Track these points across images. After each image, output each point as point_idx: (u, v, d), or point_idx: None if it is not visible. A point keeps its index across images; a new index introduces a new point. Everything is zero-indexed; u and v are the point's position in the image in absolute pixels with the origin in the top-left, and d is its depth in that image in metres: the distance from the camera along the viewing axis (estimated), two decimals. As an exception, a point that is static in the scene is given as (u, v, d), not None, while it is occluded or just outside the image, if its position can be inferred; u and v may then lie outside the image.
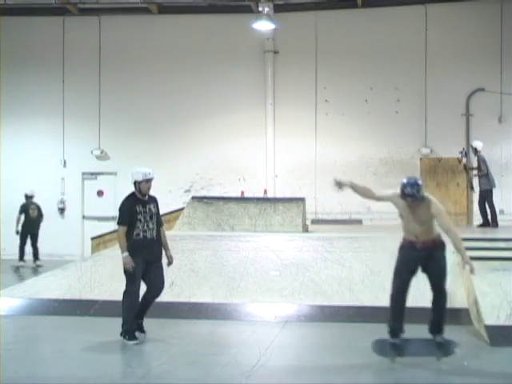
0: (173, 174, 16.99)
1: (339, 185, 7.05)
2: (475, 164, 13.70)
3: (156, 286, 7.64)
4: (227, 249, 10.37)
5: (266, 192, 16.39)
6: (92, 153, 17.51)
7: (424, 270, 6.63)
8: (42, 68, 17.67)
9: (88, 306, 9.17)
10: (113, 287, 9.44)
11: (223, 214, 12.16)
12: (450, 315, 8.52)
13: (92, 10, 17.33)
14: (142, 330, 7.63)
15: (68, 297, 9.46)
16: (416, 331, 6.56)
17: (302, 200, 12.60)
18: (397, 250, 6.71)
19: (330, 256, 9.99)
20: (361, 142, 16.60)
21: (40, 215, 16.34)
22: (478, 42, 16.16)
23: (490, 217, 13.66)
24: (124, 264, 7.35)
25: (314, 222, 15.33)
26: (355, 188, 7.00)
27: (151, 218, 7.59)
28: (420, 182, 6.56)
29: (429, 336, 6.61)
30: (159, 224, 7.73)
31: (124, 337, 7.41)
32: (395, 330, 6.56)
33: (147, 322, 7.74)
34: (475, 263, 9.06)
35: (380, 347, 6.55)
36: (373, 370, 6.32)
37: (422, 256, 6.56)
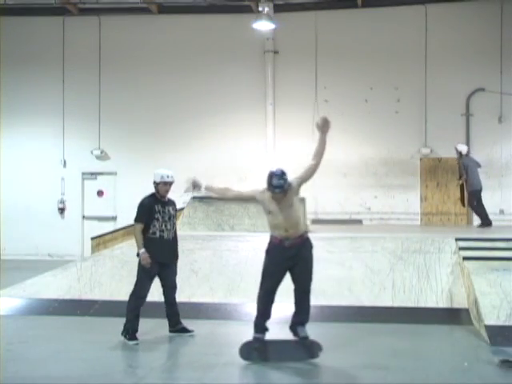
0: (173, 173, 16.96)
1: (194, 186, 6.99)
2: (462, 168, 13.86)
3: (167, 289, 7.69)
4: (227, 249, 10.37)
5: (266, 192, 16.37)
6: (92, 153, 17.50)
7: (292, 271, 6.66)
8: (41, 68, 17.65)
9: (88, 306, 9.17)
10: (113, 287, 9.47)
11: (223, 214, 12.17)
12: (450, 315, 8.58)
13: (92, 9, 17.32)
14: (187, 330, 7.71)
15: (68, 297, 9.46)
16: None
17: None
18: (266, 250, 6.74)
19: (330, 256, 9.99)
20: (361, 142, 16.59)
21: None
22: (478, 42, 16.15)
23: (476, 216, 13.92)
24: (142, 260, 7.43)
25: (314, 221, 15.33)
26: (211, 190, 6.92)
27: (169, 219, 7.67)
28: (286, 173, 6.51)
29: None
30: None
31: (125, 336, 7.42)
32: (260, 327, 6.67)
33: (147, 322, 7.75)
34: (475, 263, 9.16)
35: (246, 351, 6.59)
36: (373, 369, 6.32)
37: (290, 256, 6.58)
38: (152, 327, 7.88)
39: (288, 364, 6.53)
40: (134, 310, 7.48)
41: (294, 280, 6.70)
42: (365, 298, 8.98)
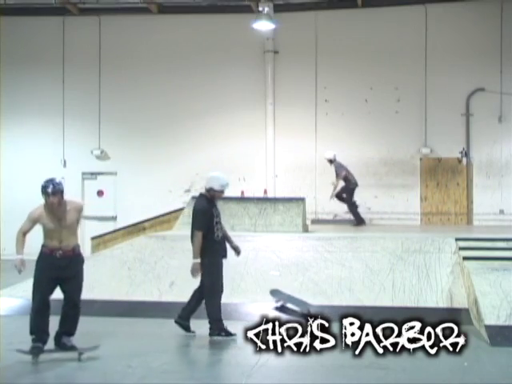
0: (173, 173, 17.01)
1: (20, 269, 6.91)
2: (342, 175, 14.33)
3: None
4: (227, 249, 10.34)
5: (265, 192, 16.39)
6: (92, 153, 17.50)
7: (62, 285, 6.77)
8: (42, 68, 17.66)
9: (88, 306, 9.15)
10: (113, 287, 9.46)
11: (223, 214, 12.02)
12: (450, 315, 8.56)
13: (92, 9, 17.32)
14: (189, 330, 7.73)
15: (68, 297, 9.43)
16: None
17: (302, 200, 12.60)
18: (37, 261, 6.82)
19: (330, 256, 9.99)
20: (361, 142, 16.59)
21: None
22: (478, 42, 16.16)
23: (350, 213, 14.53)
24: (193, 270, 7.52)
25: (314, 221, 15.33)
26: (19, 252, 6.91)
27: (220, 218, 7.79)
28: (58, 181, 6.68)
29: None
30: None
31: (222, 335, 7.50)
32: (40, 336, 6.71)
33: (147, 322, 7.75)
34: (475, 263, 9.16)
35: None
36: (373, 369, 6.32)
37: (61, 266, 6.68)
38: (152, 327, 7.87)
39: (287, 364, 6.53)
40: (217, 306, 7.57)
41: (64, 293, 6.83)
42: (365, 298, 8.98)
